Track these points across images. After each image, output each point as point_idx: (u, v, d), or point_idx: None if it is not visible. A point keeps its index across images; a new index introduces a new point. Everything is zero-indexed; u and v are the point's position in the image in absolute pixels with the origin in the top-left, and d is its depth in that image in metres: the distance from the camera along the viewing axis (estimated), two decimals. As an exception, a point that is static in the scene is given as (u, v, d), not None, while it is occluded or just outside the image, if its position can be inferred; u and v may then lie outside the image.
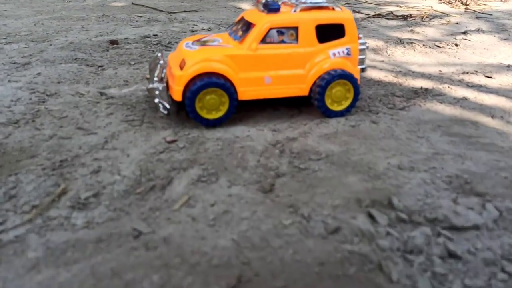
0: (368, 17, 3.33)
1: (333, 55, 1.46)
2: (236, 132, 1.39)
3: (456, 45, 2.63)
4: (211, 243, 0.89)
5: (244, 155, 1.21)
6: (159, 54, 1.50)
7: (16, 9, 3.25)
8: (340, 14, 1.46)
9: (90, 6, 3.43)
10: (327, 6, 1.47)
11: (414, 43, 2.59)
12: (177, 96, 1.38)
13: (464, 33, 2.91)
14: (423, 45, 2.58)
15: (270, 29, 1.39)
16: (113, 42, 2.41)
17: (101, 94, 1.60)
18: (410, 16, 3.41)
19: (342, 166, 1.15)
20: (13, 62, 2.05)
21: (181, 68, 1.38)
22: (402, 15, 3.42)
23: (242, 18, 1.51)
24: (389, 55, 2.39)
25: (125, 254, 0.86)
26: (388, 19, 3.34)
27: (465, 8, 3.83)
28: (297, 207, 0.99)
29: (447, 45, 2.62)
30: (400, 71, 2.09)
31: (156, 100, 1.38)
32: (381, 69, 2.12)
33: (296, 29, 1.41)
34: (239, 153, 1.22)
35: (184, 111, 1.43)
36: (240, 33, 1.45)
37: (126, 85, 1.82)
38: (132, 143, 1.30)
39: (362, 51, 1.53)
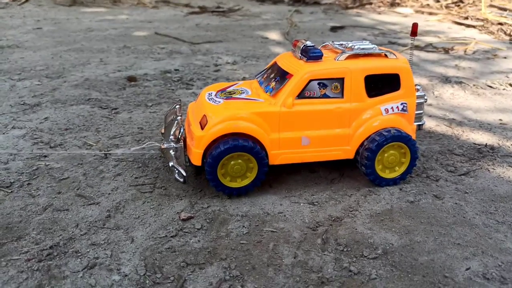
0: (406, 49, 3.07)
1: (385, 111, 1.21)
2: (266, 205, 1.14)
3: (511, 85, 2.32)
4: None
5: (276, 246, 0.96)
6: (177, 106, 1.28)
7: (38, 39, 3.16)
8: (394, 63, 1.21)
9: (112, 36, 3.30)
10: (378, 53, 1.22)
11: (464, 83, 2.31)
12: (196, 160, 1.15)
13: (517, 69, 2.61)
14: (474, 85, 2.29)
15: (310, 81, 1.15)
16: (131, 79, 2.23)
17: (105, 155, 1.38)
18: (452, 48, 3.13)
19: (407, 271, 0.87)
20: (22, 103, 1.88)
21: (202, 126, 1.15)
22: (443, 48, 3.14)
23: (276, 65, 1.27)
24: (436, 96, 2.12)
25: None
26: (428, 51, 3.07)
27: (510, 39, 3.52)
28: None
29: (501, 85, 2.32)
30: (454, 119, 1.81)
31: (171, 164, 1.15)
32: (430, 116, 1.84)
33: (341, 80, 1.17)
34: (270, 243, 0.97)
35: (204, 175, 1.20)
36: (272, 83, 1.22)
37: (141, 133, 1.61)
38: (139, 220, 1.07)
39: (419, 105, 1.27)
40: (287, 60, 1.24)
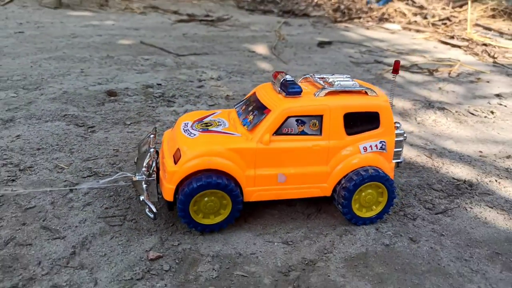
0: (391, 69, 3.07)
1: (363, 149, 1.19)
2: (239, 244, 1.11)
3: (492, 112, 2.34)
4: None
5: (246, 294, 0.93)
6: (151, 136, 1.24)
7: (18, 44, 3.07)
8: (374, 101, 1.20)
9: (96, 44, 3.24)
10: (358, 90, 1.20)
11: (446, 109, 2.32)
12: (168, 195, 1.11)
13: (498, 96, 2.64)
14: (456, 112, 2.30)
15: (288, 117, 1.13)
16: (111, 94, 2.18)
17: (71, 190, 1.33)
18: (437, 70, 3.16)
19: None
20: (-6, 116, 1.82)
21: (175, 160, 1.12)
22: (427, 69, 3.16)
23: (255, 96, 1.25)
24: (418, 123, 2.12)
25: None
26: (413, 72, 3.09)
27: (493, 62, 3.57)
28: None
29: (483, 112, 2.34)
30: (434, 150, 1.81)
31: (141, 198, 1.11)
32: (411, 145, 1.84)
33: (320, 117, 1.15)
34: (239, 290, 0.94)
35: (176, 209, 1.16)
36: (250, 117, 1.19)
37: (116, 155, 1.56)
38: (105, 258, 1.02)
39: (399, 143, 1.26)
40: (266, 92, 1.22)
